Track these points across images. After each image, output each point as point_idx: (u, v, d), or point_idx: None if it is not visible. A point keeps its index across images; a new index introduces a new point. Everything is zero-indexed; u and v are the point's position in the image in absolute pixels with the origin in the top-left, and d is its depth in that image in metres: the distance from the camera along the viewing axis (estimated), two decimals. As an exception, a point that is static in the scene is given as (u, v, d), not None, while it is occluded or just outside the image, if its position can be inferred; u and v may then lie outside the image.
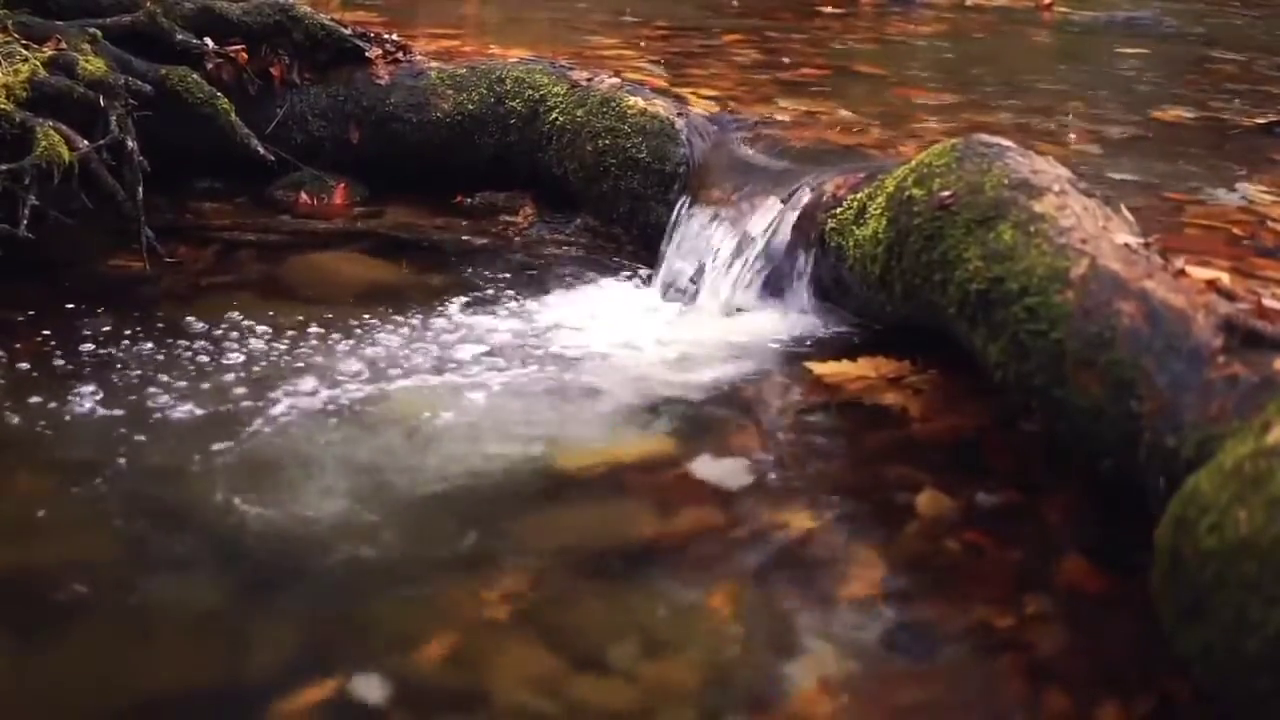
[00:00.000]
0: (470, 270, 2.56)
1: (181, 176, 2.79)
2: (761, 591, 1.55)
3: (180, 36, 2.76)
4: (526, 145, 2.86)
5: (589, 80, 2.83)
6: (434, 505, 1.70)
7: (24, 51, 2.48)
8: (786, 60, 3.84)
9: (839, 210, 2.22)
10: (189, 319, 2.24)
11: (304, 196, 2.88)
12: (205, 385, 1.99)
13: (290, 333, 2.19)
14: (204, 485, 1.72)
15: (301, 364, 2.08)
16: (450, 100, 2.89)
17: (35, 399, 1.92)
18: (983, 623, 1.47)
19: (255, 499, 1.69)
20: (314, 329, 2.21)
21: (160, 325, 2.22)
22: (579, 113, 2.76)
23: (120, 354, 2.09)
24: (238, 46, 2.84)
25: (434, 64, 3.00)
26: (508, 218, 2.84)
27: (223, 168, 2.86)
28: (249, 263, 2.59)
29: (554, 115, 2.80)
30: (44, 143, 2.32)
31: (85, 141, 2.39)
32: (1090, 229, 1.71)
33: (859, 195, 2.18)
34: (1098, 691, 1.35)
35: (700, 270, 2.40)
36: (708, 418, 1.98)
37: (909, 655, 1.43)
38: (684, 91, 3.00)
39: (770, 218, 2.36)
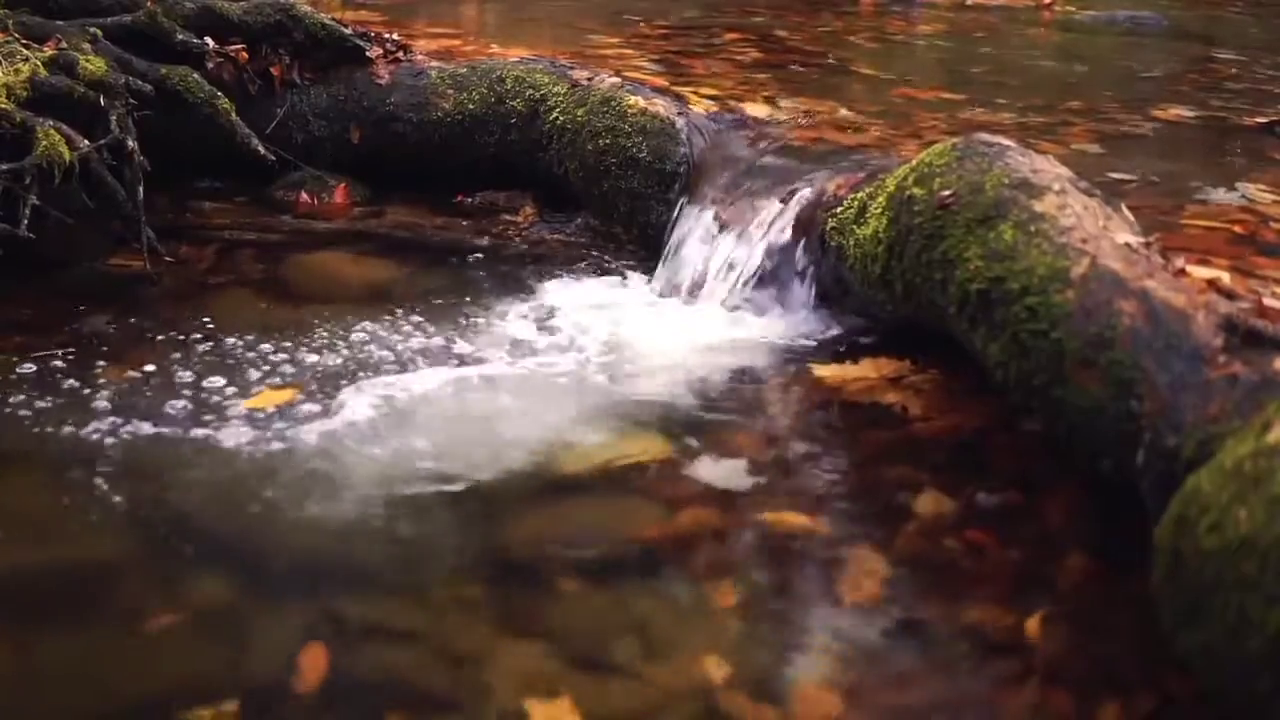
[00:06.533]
0: (470, 270, 2.56)
1: (182, 176, 2.79)
2: (762, 591, 1.55)
3: (181, 36, 2.76)
4: (527, 145, 2.86)
5: (589, 79, 2.83)
6: (434, 503, 1.70)
7: (24, 51, 2.48)
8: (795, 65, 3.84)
9: (839, 209, 2.22)
10: (189, 318, 2.24)
11: (304, 196, 2.88)
12: (206, 384, 1.99)
13: (290, 332, 2.19)
14: (205, 484, 1.72)
15: (302, 363, 2.08)
16: (451, 100, 2.89)
17: (35, 398, 1.92)
18: (983, 622, 1.47)
19: (256, 498, 1.69)
20: (314, 328, 2.21)
21: (161, 324, 2.22)
22: (579, 112, 2.76)
23: (121, 353, 2.09)
24: (238, 46, 2.84)
25: (434, 63, 3.00)
26: (508, 217, 2.84)
27: (223, 167, 2.86)
28: (249, 262, 2.59)
29: (554, 115, 2.80)
30: (45, 142, 2.32)
31: (86, 141, 2.39)
32: (1091, 228, 1.71)
33: (859, 195, 2.18)
34: (1099, 691, 1.35)
35: (701, 269, 2.40)
36: (708, 417, 1.98)
37: (909, 655, 1.43)
38: (684, 91, 3.00)
39: (771, 217, 2.36)
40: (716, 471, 1.81)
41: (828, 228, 2.23)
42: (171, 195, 2.77)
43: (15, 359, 2.05)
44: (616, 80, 2.82)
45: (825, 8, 5.24)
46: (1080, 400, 1.55)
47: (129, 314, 2.27)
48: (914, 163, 2.02)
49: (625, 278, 2.54)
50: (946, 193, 1.87)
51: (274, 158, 2.79)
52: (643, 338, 2.24)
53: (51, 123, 2.37)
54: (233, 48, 2.83)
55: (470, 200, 2.90)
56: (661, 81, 3.08)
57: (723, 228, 2.42)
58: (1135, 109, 3.37)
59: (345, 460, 1.79)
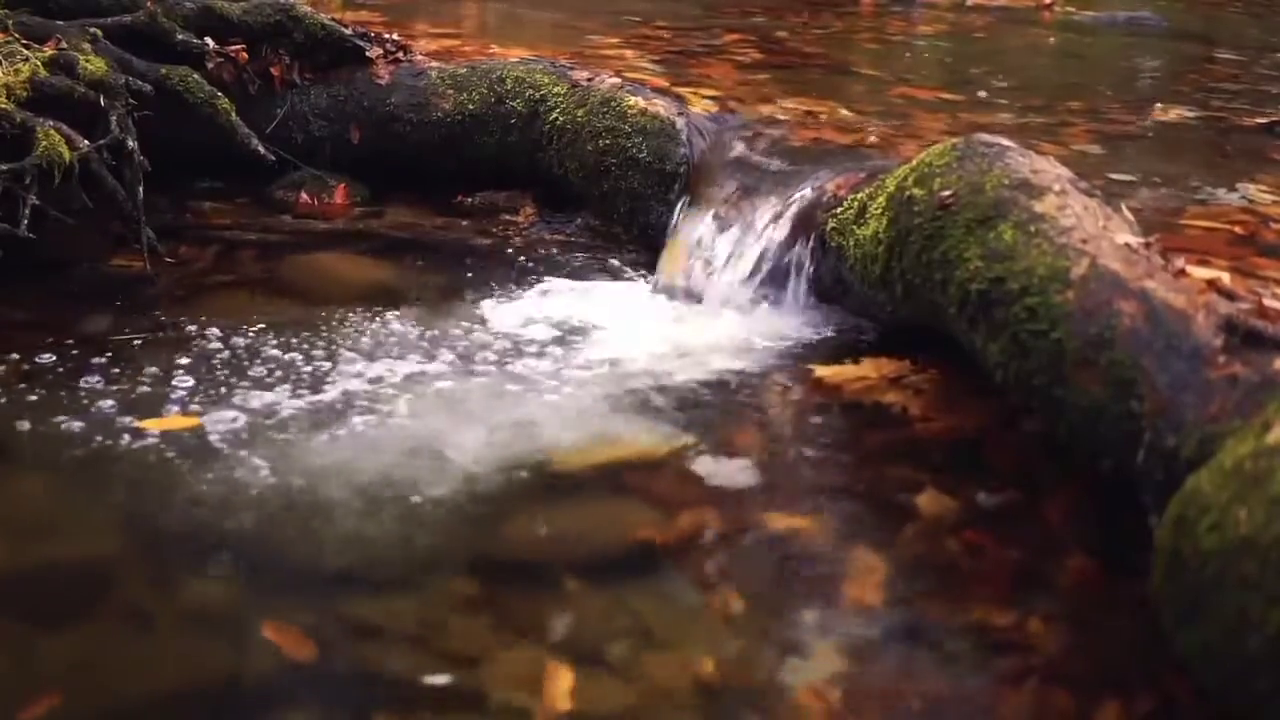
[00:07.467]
0: (470, 270, 2.56)
1: (182, 176, 2.79)
2: (761, 591, 1.55)
3: (181, 36, 2.76)
4: (527, 145, 2.86)
5: (589, 80, 2.83)
6: (433, 504, 1.70)
7: (25, 51, 2.48)
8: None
9: (839, 210, 2.22)
10: (189, 318, 2.24)
11: (304, 196, 2.88)
12: (205, 384, 1.99)
13: (290, 332, 2.19)
14: (203, 484, 1.72)
15: (301, 363, 2.08)
16: (451, 100, 2.89)
17: (36, 399, 1.92)
18: (983, 622, 1.47)
19: (254, 498, 1.69)
20: (314, 328, 2.21)
21: (161, 325, 2.22)
22: (579, 112, 2.76)
23: (121, 354, 2.09)
24: (238, 46, 2.84)
25: (434, 64, 3.00)
26: (508, 217, 2.84)
27: (223, 167, 2.86)
28: (250, 262, 2.59)
29: (554, 115, 2.80)
30: (45, 142, 2.32)
31: (86, 141, 2.39)
32: (1091, 229, 1.71)
33: (859, 195, 2.18)
34: (1098, 691, 1.35)
35: (701, 270, 2.40)
36: (708, 417, 1.98)
37: (909, 655, 1.43)
38: (684, 91, 3.00)
39: (771, 217, 2.36)
40: (716, 471, 1.81)
41: (828, 228, 2.23)
42: (172, 195, 2.77)
43: (15, 359, 2.04)
44: (616, 81, 2.82)
45: (825, 8, 5.24)
46: (1080, 400, 1.55)
47: (129, 314, 2.26)
48: (914, 163, 2.02)
49: (625, 278, 2.54)
50: (946, 193, 1.87)
51: (274, 158, 2.79)
52: (643, 338, 2.24)
53: (51, 123, 2.37)
54: (233, 48, 2.83)
55: (470, 200, 2.90)
56: (662, 82, 3.08)
57: (723, 228, 2.42)
58: (1135, 109, 3.37)
59: (341, 459, 1.79)
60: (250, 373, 2.04)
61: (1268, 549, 1.12)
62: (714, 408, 2.01)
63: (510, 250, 2.67)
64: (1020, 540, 1.64)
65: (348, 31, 2.96)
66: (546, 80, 2.86)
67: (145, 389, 1.96)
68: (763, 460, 1.85)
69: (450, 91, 2.90)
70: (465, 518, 1.68)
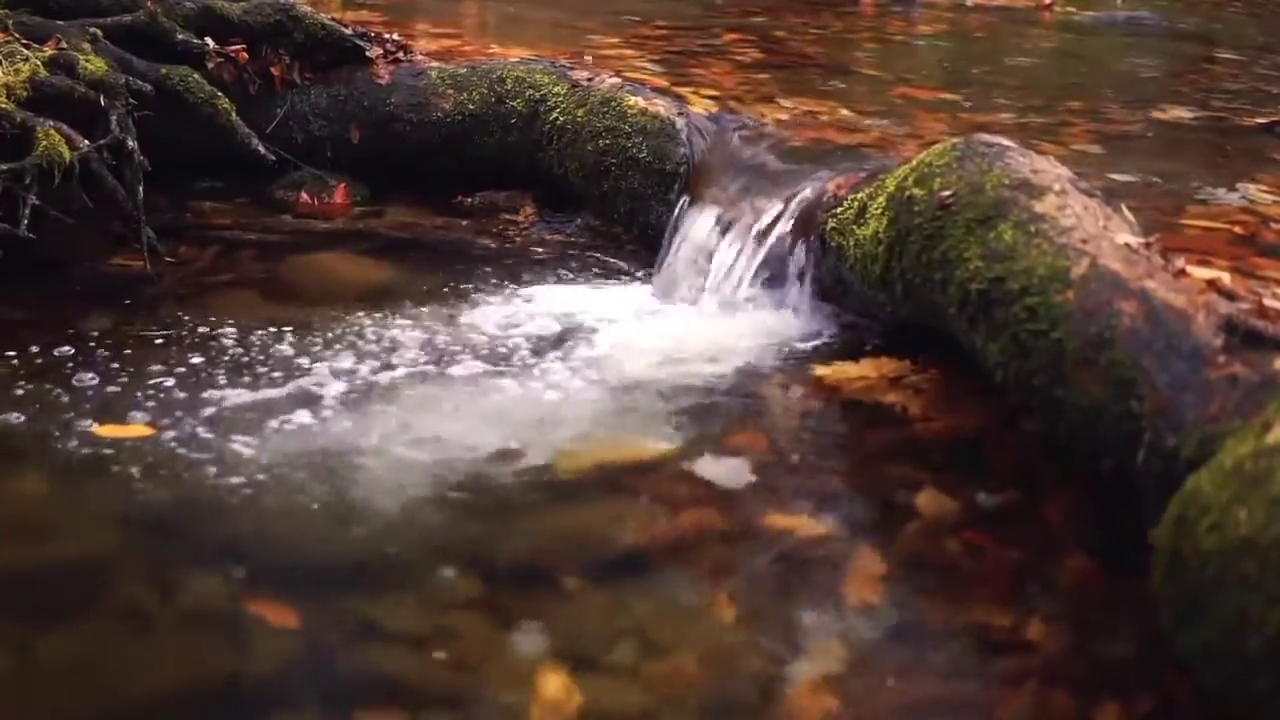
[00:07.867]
0: (470, 270, 2.56)
1: (182, 176, 2.79)
2: (762, 591, 1.55)
3: (181, 36, 2.76)
4: (527, 145, 2.86)
5: (589, 80, 2.83)
6: (433, 504, 1.70)
7: (25, 51, 2.48)
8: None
9: (839, 210, 2.22)
10: (189, 318, 2.24)
11: (305, 196, 2.88)
12: (205, 383, 1.99)
13: (290, 332, 2.19)
14: (203, 483, 1.72)
15: (301, 363, 2.08)
16: (451, 100, 2.89)
17: (36, 398, 1.92)
18: (983, 622, 1.47)
19: (254, 498, 1.69)
20: (314, 328, 2.21)
21: (161, 324, 2.22)
22: (579, 112, 2.76)
23: (120, 353, 2.09)
24: (238, 46, 2.84)
25: (434, 64, 3.00)
26: (508, 217, 2.84)
27: (223, 167, 2.86)
28: (250, 262, 2.59)
29: (554, 115, 2.80)
30: (45, 142, 2.32)
31: (86, 141, 2.39)
32: (1091, 229, 1.71)
33: (859, 195, 2.18)
34: (1098, 691, 1.35)
35: (701, 270, 2.40)
36: (708, 417, 1.98)
37: (909, 655, 1.43)
38: (684, 91, 3.00)
39: (771, 217, 2.36)
40: (716, 472, 1.81)
41: (828, 228, 2.23)
42: (172, 195, 2.77)
43: (15, 358, 2.04)
44: (616, 80, 2.82)
45: (825, 8, 5.24)
46: (1080, 400, 1.55)
47: (129, 314, 2.27)
48: (914, 163, 2.02)
49: (625, 278, 2.54)
50: (946, 193, 1.87)
51: (274, 157, 2.79)
52: (642, 338, 2.24)
53: (51, 123, 2.36)
54: (233, 48, 2.83)
55: (470, 200, 2.90)
56: (662, 82, 3.08)
57: (723, 228, 2.42)
58: (1135, 109, 3.37)
59: (341, 459, 1.79)
60: (250, 371, 2.04)
61: (1268, 549, 1.12)
62: (714, 407, 2.01)
63: (510, 250, 2.68)
64: (1020, 540, 1.64)
65: (348, 31, 2.96)
66: (546, 80, 2.86)
67: (145, 387, 1.96)
68: (763, 460, 1.85)
69: (450, 91, 2.90)
70: (465, 518, 1.68)
